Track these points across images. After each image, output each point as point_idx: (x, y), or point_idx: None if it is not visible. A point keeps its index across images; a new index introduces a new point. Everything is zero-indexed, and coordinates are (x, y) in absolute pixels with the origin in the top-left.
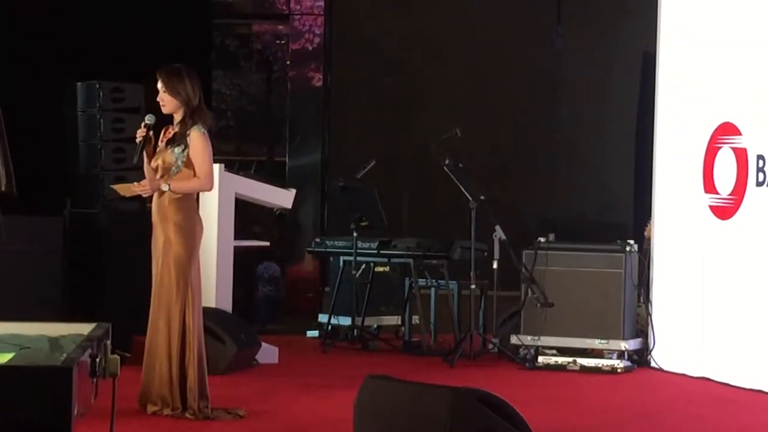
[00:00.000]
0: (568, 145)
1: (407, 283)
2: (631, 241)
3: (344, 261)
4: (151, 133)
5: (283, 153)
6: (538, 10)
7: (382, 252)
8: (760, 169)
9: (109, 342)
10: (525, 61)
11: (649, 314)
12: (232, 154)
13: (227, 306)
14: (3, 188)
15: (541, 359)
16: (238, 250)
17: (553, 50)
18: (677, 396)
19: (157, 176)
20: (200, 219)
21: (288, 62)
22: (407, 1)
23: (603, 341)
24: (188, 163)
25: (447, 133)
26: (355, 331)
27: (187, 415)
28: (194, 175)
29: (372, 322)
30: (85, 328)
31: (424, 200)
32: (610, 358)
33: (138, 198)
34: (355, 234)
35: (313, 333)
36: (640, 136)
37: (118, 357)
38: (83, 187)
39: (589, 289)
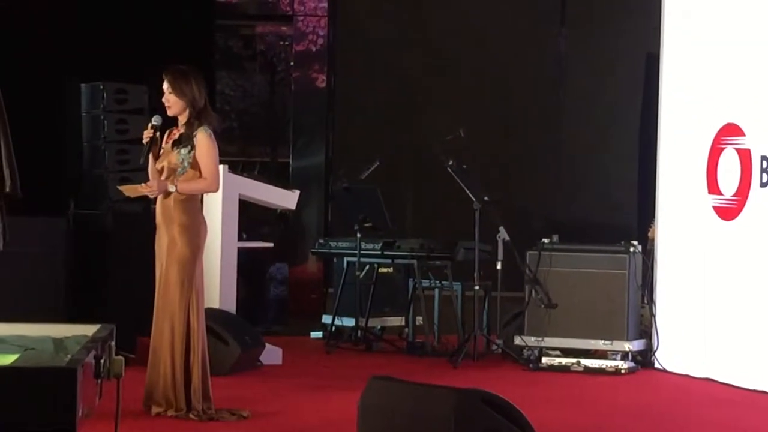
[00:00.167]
0: (572, 146)
1: (411, 284)
2: (635, 242)
3: (348, 262)
4: (157, 134)
5: (287, 154)
6: (541, 11)
7: (385, 253)
8: (763, 170)
9: (113, 343)
10: (528, 63)
11: (652, 315)
12: (236, 155)
13: (231, 307)
14: (7, 189)
15: (544, 360)
16: (250, 251)
17: (556, 51)
18: (681, 397)
19: (162, 177)
20: (204, 220)
21: (292, 63)
22: (410, 2)
23: (607, 342)
24: (194, 164)
25: (451, 134)
26: (359, 332)
27: (191, 416)
28: (200, 176)
29: (376, 323)
30: (89, 330)
31: (427, 201)
32: (614, 359)
33: (143, 199)
34: (358, 235)
35: (316, 334)
36: (644, 136)
37: (123, 358)
38: (87, 188)
39: (593, 290)
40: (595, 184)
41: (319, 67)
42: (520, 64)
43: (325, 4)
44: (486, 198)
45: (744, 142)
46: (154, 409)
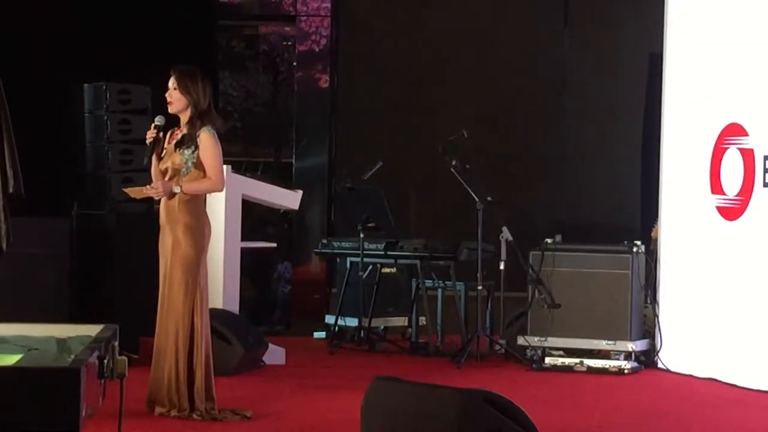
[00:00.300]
0: (576, 146)
1: (414, 284)
2: (638, 242)
3: (351, 262)
4: (161, 134)
5: (290, 154)
6: (544, 11)
7: (389, 253)
8: (767, 170)
9: (116, 343)
10: (532, 63)
11: (656, 315)
12: (239, 155)
13: (234, 307)
14: (11, 189)
15: (548, 360)
16: (253, 251)
17: (560, 51)
18: (684, 397)
19: (166, 178)
20: (209, 220)
21: (295, 63)
22: (413, 2)
23: (610, 342)
24: (198, 165)
25: (453, 134)
26: (362, 332)
27: (194, 416)
28: (204, 176)
29: (379, 323)
30: (92, 330)
31: (431, 201)
32: (617, 359)
33: (148, 199)
34: (362, 235)
35: (320, 334)
36: (647, 136)
37: (126, 358)
38: (90, 189)
39: (596, 290)
40: (598, 183)
41: (322, 67)
42: (523, 64)
43: (328, 4)
44: (489, 198)
45: (747, 142)
46: (158, 410)
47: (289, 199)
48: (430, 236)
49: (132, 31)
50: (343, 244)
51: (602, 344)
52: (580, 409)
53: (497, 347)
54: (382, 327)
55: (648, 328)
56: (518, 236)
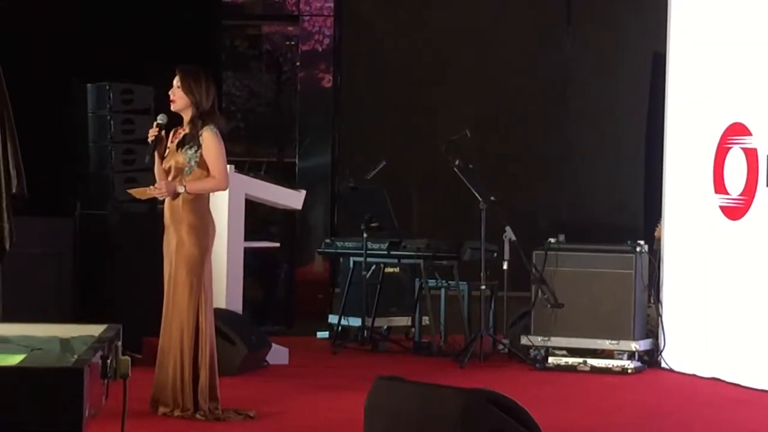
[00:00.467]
0: (579, 145)
1: (417, 283)
2: (642, 242)
3: (354, 262)
4: (163, 132)
5: (293, 154)
6: (546, 11)
7: (392, 253)
8: None
9: (119, 343)
10: (534, 63)
11: (659, 315)
12: (242, 155)
13: (237, 307)
14: (14, 189)
15: (551, 360)
16: (256, 251)
17: (562, 51)
18: (688, 397)
19: (169, 178)
20: (213, 220)
21: (298, 63)
22: (416, 2)
23: (613, 342)
24: (201, 164)
25: (456, 134)
26: (365, 332)
27: (198, 416)
28: (207, 175)
29: (382, 323)
30: (95, 330)
31: (434, 201)
32: (621, 359)
33: (152, 200)
34: (365, 235)
35: (323, 334)
36: (651, 136)
37: (129, 358)
38: (93, 189)
39: (600, 289)
40: (601, 183)
41: (325, 67)
42: (525, 64)
43: (331, 4)
44: (492, 198)
45: (751, 142)
46: (161, 409)
47: (292, 198)
48: (433, 236)
49: (135, 30)
50: (346, 243)
51: (605, 344)
52: (583, 408)
53: (500, 347)
54: (385, 327)
55: (651, 328)
56: (521, 236)
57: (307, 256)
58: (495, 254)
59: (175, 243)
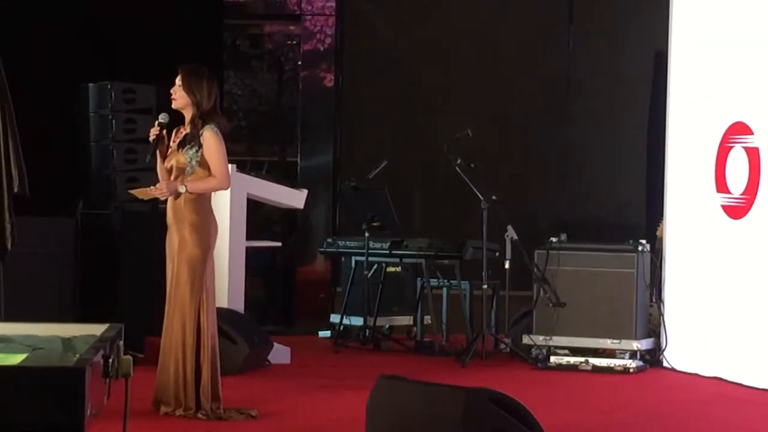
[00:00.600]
0: (580, 144)
1: (419, 283)
2: (643, 241)
3: (356, 261)
4: (164, 131)
5: (295, 153)
6: (549, 9)
7: (394, 252)
8: None
9: (121, 343)
10: (536, 62)
11: (661, 314)
12: (244, 154)
13: (239, 306)
14: (16, 189)
15: (553, 359)
16: (258, 250)
17: (564, 50)
18: (689, 396)
19: (171, 177)
20: (215, 219)
21: (299, 63)
22: (418, 1)
23: (615, 341)
24: (203, 163)
25: (458, 133)
26: (367, 331)
27: (200, 415)
28: (209, 175)
29: (384, 322)
30: (97, 329)
31: (435, 200)
32: (623, 358)
33: (154, 200)
34: (366, 234)
35: (325, 333)
36: (652, 135)
37: (131, 358)
38: (95, 188)
39: (602, 289)
40: (603, 182)
41: (327, 66)
42: (528, 62)
43: (333, 4)
44: (494, 197)
45: (752, 141)
46: (163, 409)
47: (294, 198)
48: (435, 235)
49: (137, 30)
50: (348, 243)
51: (607, 343)
52: (585, 408)
53: (502, 346)
54: (387, 326)
55: (653, 327)
56: (523, 235)
57: (308, 255)
58: (497, 253)
59: (177, 242)
